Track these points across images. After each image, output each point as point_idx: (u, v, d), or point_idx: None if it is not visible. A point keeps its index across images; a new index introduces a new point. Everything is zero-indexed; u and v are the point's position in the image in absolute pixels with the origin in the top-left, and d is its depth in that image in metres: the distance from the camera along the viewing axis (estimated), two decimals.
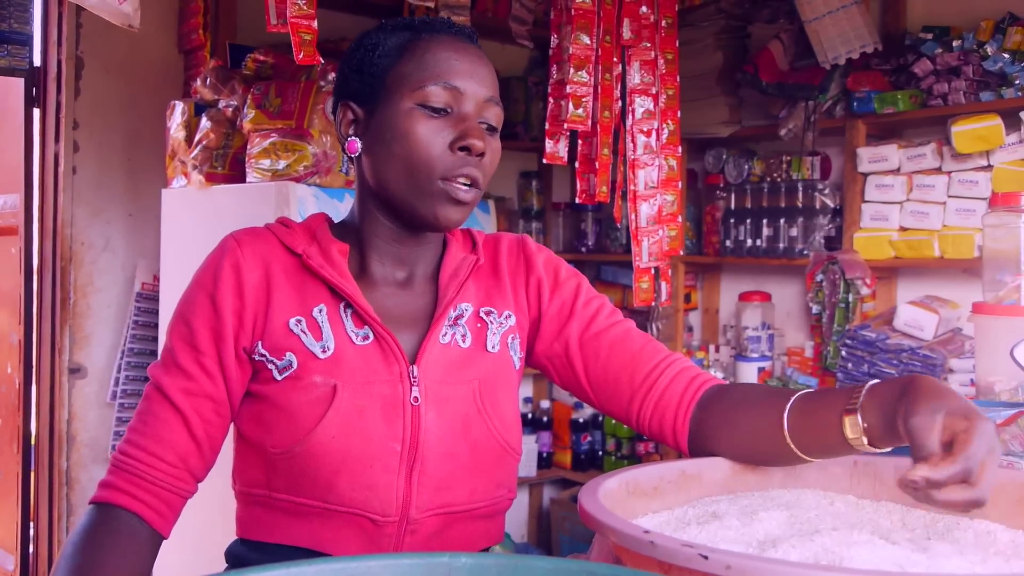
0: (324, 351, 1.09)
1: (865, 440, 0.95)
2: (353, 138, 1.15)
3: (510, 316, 1.21)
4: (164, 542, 1.10)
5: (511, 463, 1.17)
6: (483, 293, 1.21)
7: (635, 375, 1.17)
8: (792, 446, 1.01)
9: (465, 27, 1.17)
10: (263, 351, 1.10)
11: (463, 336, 1.15)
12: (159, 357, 1.13)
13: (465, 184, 1.09)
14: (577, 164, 2.70)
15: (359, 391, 1.08)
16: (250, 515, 1.14)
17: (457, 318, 1.16)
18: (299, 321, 1.10)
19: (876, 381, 0.97)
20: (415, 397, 1.09)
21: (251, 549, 1.14)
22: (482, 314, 1.18)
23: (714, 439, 1.10)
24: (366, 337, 1.10)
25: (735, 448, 1.07)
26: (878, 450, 0.96)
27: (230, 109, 2.48)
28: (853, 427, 0.95)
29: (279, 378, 1.09)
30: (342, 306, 1.11)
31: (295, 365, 1.08)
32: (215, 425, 1.10)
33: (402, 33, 1.14)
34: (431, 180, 1.08)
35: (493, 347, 1.17)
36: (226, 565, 1.18)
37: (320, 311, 1.11)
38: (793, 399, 1.03)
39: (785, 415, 1.02)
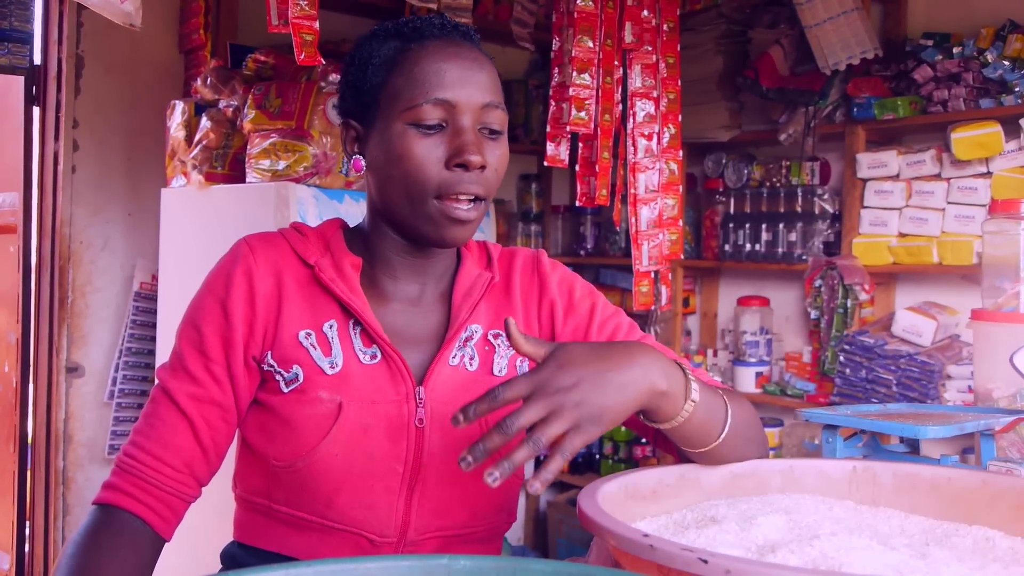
0: (332, 367, 1.07)
1: None
2: (357, 156, 1.12)
3: None
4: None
5: (513, 487, 1.15)
6: (493, 314, 1.18)
7: None
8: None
9: (460, 25, 1.12)
10: (272, 361, 1.08)
11: (471, 359, 1.13)
12: (168, 359, 1.12)
13: (466, 201, 1.06)
14: (578, 167, 2.70)
15: (365, 410, 1.06)
16: (248, 520, 1.13)
17: (467, 340, 1.14)
18: (309, 335, 1.08)
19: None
20: (420, 419, 1.08)
21: (247, 553, 1.13)
22: (490, 337, 1.16)
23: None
24: (374, 356, 1.09)
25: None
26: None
27: (230, 109, 2.48)
28: None
29: (285, 390, 1.07)
30: (351, 323, 1.10)
31: (301, 379, 1.07)
32: (221, 432, 1.09)
33: (392, 43, 1.09)
34: (426, 200, 1.05)
35: (500, 371, 1.14)
36: (221, 566, 1.18)
37: (331, 327, 1.09)
38: None
39: None
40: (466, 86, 1.05)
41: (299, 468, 1.06)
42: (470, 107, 1.05)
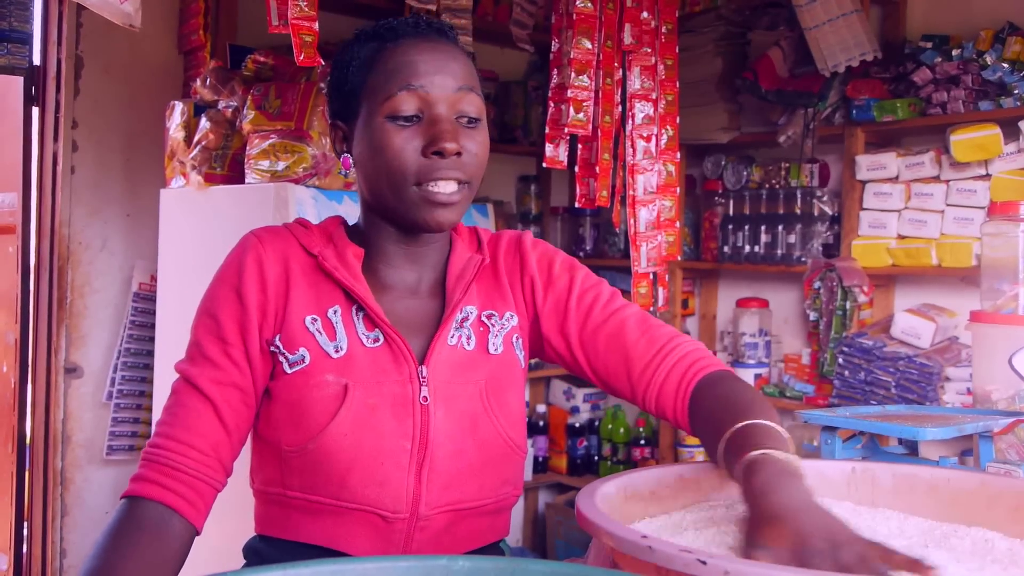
0: (337, 351, 1.11)
1: None
2: (345, 155, 1.19)
3: (512, 317, 1.23)
4: None
5: (517, 461, 1.20)
6: (485, 296, 1.23)
7: (632, 371, 1.20)
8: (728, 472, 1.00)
9: (435, 22, 1.18)
10: (279, 343, 1.12)
11: (468, 339, 1.18)
12: (185, 353, 1.14)
13: (446, 185, 1.10)
14: (577, 168, 2.70)
15: (370, 390, 1.10)
16: (267, 512, 1.16)
17: (463, 321, 1.19)
18: (315, 320, 1.13)
19: (757, 455, 0.91)
20: (424, 396, 1.12)
21: (269, 545, 1.16)
22: (484, 318, 1.21)
23: (698, 433, 1.13)
24: (376, 339, 1.13)
25: (708, 450, 1.08)
26: None
27: (230, 110, 2.48)
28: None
29: (289, 371, 1.11)
30: (354, 309, 1.14)
31: (307, 361, 1.11)
32: (243, 415, 1.12)
33: (370, 44, 1.15)
34: (407, 187, 1.10)
35: (496, 349, 1.19)
36: (244, 561, 1.21)
37: (335, 312, 1.13)
38: (729, 433, 0.99)
39: (722, 445, 1.00)
40: (438, 74, 1.11)
41: (310, 451, 1.09)
42: (444, 96, 1.11)
